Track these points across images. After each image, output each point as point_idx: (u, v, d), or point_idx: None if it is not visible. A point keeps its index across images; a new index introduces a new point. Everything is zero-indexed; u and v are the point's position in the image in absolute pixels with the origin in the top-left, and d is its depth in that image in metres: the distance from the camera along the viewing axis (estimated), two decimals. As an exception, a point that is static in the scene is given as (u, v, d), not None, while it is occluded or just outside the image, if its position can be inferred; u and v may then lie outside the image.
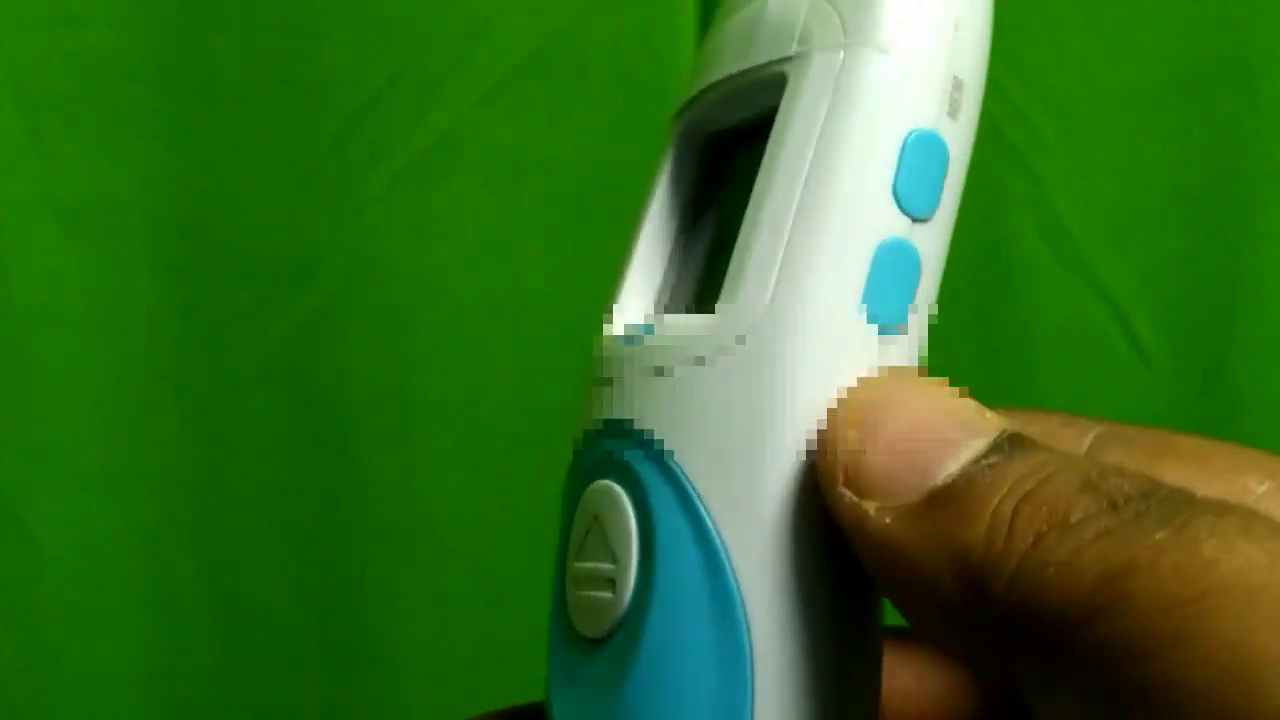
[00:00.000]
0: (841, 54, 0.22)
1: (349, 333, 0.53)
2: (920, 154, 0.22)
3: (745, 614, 0.20)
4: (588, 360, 0.24)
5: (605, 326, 0.24)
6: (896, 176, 0.22)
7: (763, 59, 0.23)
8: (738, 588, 0.20)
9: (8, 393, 0.52)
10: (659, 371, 0.22)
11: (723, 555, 0.21)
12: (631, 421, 0.22)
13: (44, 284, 0.52)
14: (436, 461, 0.54)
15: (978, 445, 0.19)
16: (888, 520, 0.19)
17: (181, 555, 0.54)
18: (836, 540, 0.20)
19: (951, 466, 0.19)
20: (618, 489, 0.22)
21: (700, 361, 0.21)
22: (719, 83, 0.24)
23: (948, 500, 0.19)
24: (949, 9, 0.23)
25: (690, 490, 0.21)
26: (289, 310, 0.53)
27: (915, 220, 0.22)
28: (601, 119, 0.52)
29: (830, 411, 0.21)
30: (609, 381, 0.23)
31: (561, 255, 0.53)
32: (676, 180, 0.25)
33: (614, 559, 0.22)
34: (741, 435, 0.21)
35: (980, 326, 0.54)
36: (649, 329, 0.23)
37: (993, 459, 0.19)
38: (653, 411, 0.22)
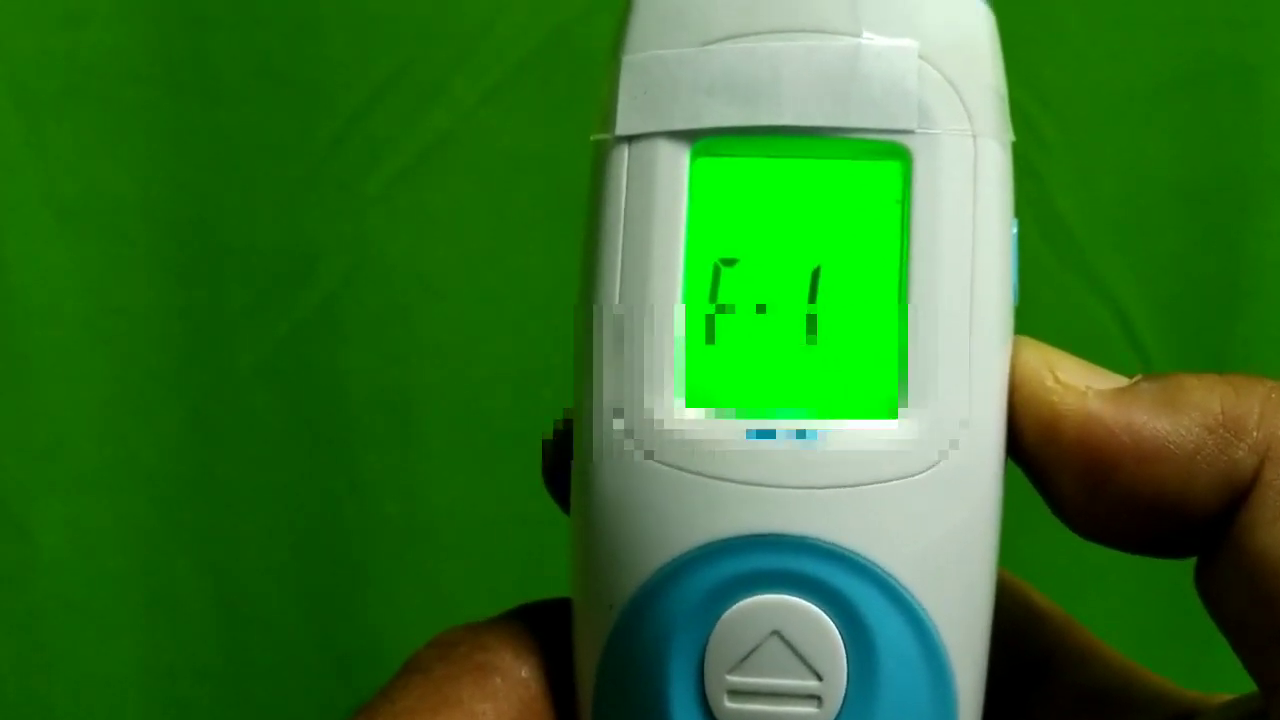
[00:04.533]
0: (972, 143, 0.22)
1: (348, 332, 0.53)
2: (1015, 245, 0.23)
3: (959, 717, 0.22)
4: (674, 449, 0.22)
5: (690, 412, 0.22)
6: (1015, 272, 0.23)
7: (869, 122, 0.22)
8: (957, 699, 0.22)
9: (7, 392, 0.52)
10: (848, 485, 0.22)
11: (948, 668, 0.22)
12: (816, 538, 0.22)
13: (43, 283, 0.52)
14: (436, 461, 0.54)
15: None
16: (1097, 402, 0.22)
17: (181, 554, 0.54)
18: None
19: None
20: (807, 605, 0.22)
21: (902, 477, 0.22)
22: (788, 128, 0.22)
23: (1139, 386, 0.22)
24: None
25: (916, 608, 0.22)
26: (289, 310, 0.53)
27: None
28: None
29: (1017, 350, 0.23)
30: (744, 484, 0.22)
31: (561, 255, 0.53)
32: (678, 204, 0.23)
33: (816, 675, 0.22)
34: (963, 549, 0.22)
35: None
36: (805, 434, 0.22)
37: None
38: (850, 528, 0.22)
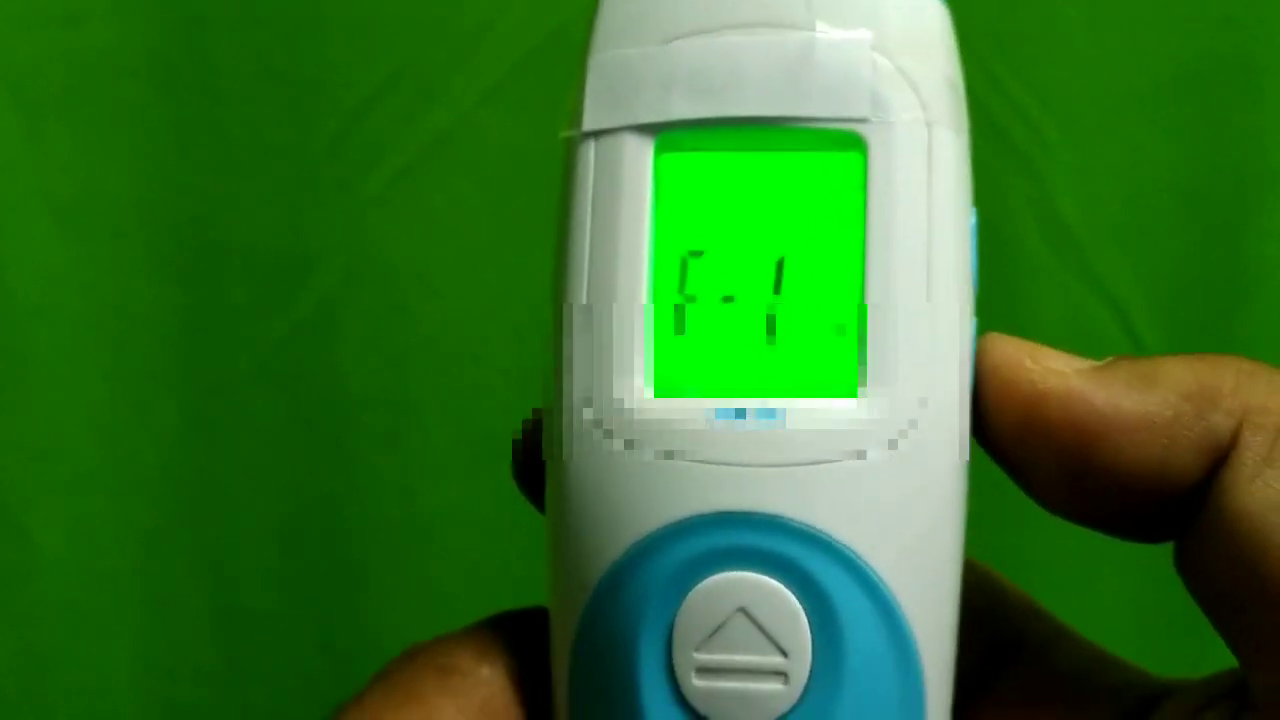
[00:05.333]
0: (926, 131, 0.22)
1: (347, 332, 0.53)
2: (975, 233, 0.23)
3: (925, 693, 0.22)
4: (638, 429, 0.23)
5: (650, 394, 0.23)
6: (975, 259, 0.23)
7: (825, 111, 0.22)
8: (923, 675, 0.22)
9: (6, 392, 0.52)
10: (810, 462, 0.22)
11: (912, 643, 0.22)
12: (779, 515, 0.22)
13: (42, 282, 0.52)
14: (435, 461, 0.54)
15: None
16: (1078, 379, 0.22)
17: (179, 555, 0.54)
18: None
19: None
20: (771, 582, 0.22)
21: (863, 454, 0.22)
22: (746, 119, 0.23)
23: (1116, 363, 0.22)
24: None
25: (879, 584, 0.22)
26: (287, 310, 0.53)
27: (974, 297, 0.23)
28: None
29: (991, 342, 0.23)
30: (709, 464, 0.22)
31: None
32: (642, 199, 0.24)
33: (781, 652, 0.22)
34: (926, 526, 0.22)
35: (980, 326, 0.54)
36: (768, 413, 0.22)
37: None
38: (812, 504, 0.22)
